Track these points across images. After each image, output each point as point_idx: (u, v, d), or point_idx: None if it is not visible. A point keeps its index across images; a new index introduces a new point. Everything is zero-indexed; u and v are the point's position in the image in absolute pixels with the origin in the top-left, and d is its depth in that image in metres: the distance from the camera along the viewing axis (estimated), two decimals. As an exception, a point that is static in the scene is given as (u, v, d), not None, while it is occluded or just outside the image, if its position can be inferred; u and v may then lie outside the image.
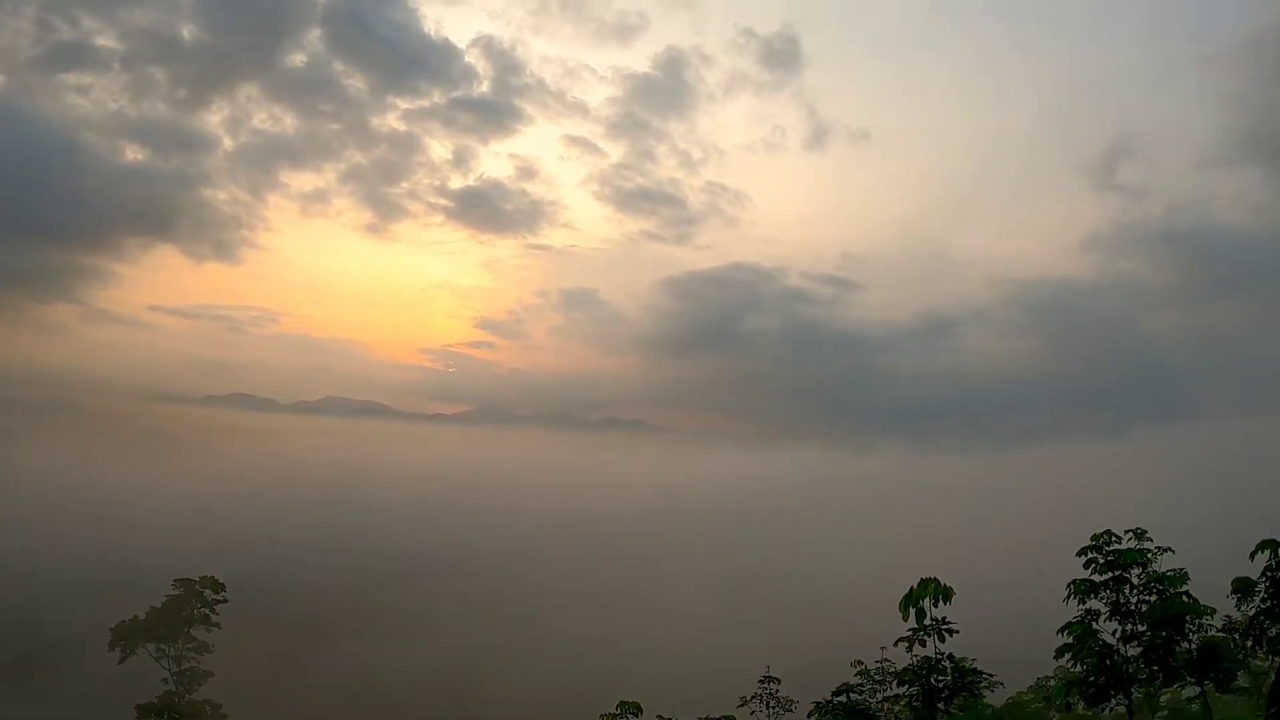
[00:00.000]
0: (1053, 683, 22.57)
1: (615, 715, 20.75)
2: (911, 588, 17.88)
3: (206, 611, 68.41)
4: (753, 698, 23.95)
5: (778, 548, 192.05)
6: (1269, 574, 27.55)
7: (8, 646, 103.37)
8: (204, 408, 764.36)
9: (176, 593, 68.38)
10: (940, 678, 18.92)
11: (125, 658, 67.96)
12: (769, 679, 24.06)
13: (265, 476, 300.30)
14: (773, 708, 23.56)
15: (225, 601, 69.38)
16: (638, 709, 20.56)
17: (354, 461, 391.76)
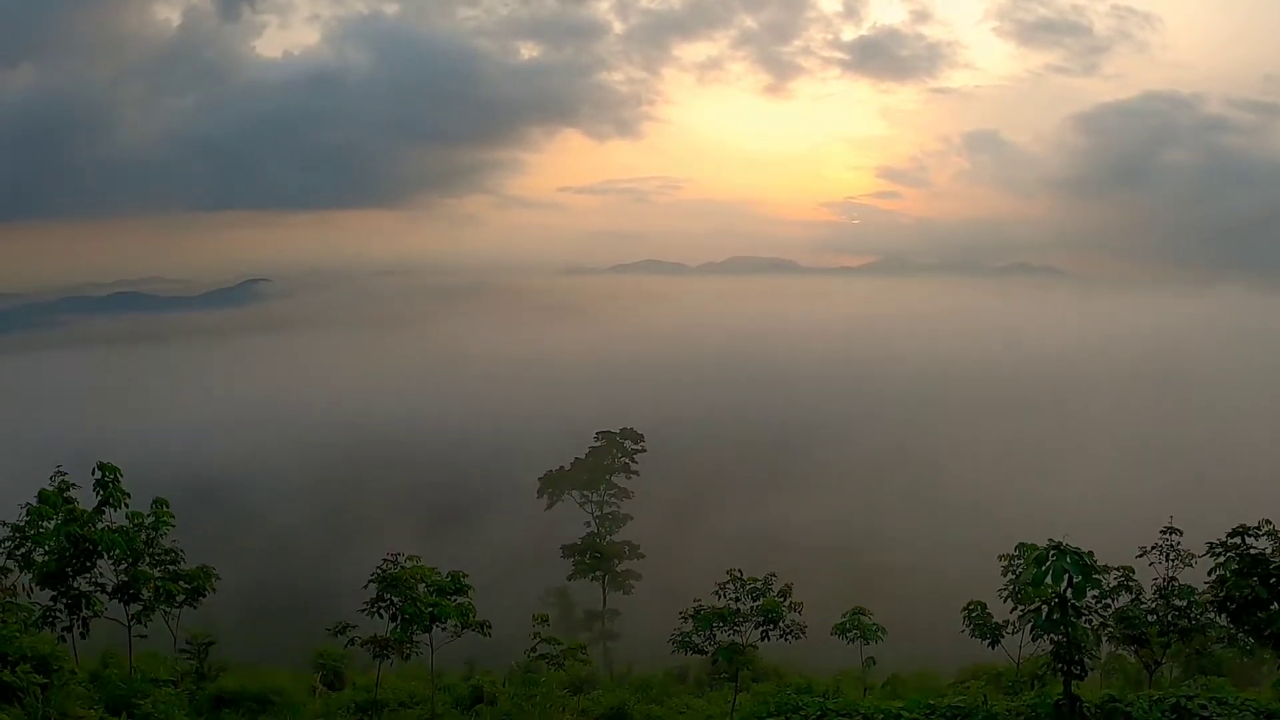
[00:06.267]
0: None
1: (1013, 555, 21.10)
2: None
3: (626, 460, 76.02)
4: (1152, 548, 23.48)
5: (1197, 401, 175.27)
6: None
7: (447, 498, 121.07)
8: (614, 276, 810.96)
9: (599, 444, 76.42)
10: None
11: (552, 504, 77.87)
12: (1170, 530, 23.42)
13: (674, 336, 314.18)
14: (1172, 559, 22.98)
15: (644, 451, 76.57)
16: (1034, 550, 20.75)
17: (761, 318, 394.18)
